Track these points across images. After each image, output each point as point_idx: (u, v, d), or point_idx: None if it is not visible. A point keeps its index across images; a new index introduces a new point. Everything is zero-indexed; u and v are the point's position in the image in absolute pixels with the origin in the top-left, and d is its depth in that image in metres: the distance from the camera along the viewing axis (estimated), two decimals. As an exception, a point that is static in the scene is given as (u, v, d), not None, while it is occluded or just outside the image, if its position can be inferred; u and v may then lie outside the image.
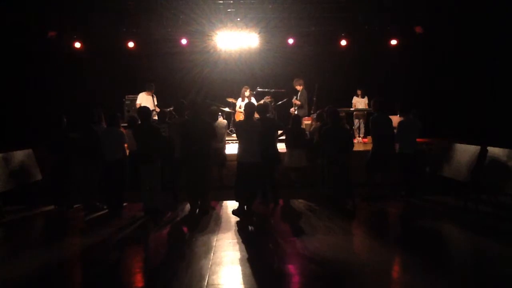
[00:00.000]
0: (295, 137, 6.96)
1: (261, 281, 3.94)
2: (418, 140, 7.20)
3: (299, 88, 9.58)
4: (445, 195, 7.00)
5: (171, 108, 7.81)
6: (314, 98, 9.49)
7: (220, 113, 7.82)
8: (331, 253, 4.64)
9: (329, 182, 6.52)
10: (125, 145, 6.70)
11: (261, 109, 6.62)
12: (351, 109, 10.17)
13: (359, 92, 10.30)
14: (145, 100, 9.30)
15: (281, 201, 6.77)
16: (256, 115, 6.45)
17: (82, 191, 6.68)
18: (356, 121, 10.39)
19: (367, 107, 10.02)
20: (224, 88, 10.93)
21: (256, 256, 4.61)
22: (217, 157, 7.01)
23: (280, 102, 9.94)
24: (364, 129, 10.27)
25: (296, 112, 9.33)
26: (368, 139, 9.63)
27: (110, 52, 10.84)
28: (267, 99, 9.47)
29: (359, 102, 10.26)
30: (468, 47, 9.89)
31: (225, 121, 7.51)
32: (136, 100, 9.63)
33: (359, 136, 10.33)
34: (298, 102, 9.45)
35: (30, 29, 9.73)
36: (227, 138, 7.33)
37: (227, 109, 9.96)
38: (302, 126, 7.60)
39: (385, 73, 10.89)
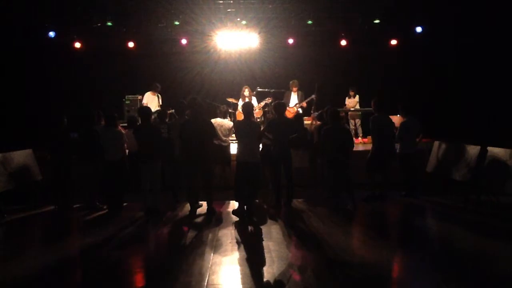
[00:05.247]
0: (298, 137, 6.93)
1: (260, 281, 3.95)
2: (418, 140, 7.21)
3: (295, 90, 9.63)
4: (445, 195, 7.00)
5: (172, 111, 7.82)
6: (314, 98, 9.49)
7: (228, 114, 7.86)
8: (331, 253, 4.64)
9: (329, 182, 6.51)
10: (125, 145, 6.70)
11: (279, 108, 6.60)
12: (352, 109, 10.17)
13: (351, 92, 10.29)
14: (150, 99, 9.43)
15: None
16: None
17: (82, 191, 6.68)
18: (351, 121, 10.38)
19: (358, 106, 10.04)
20: (224, 88, 10.92)
21: (256, 256, 4.61)
22: (222, 156, 7.03)
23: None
24: (362, 129, 10.25)
25: (300, 111, 9.37)
26: (368, 139, 9.62)
27: (110, 52, 10.84)
28: (268, 100, 9.47)
29: (351, 103, 10.27)
30: (468, 47, 9.88)
31: (231, 123, 7.53)
32: (137, 99, 9.70)
33: (359, 137, 10.32)
34: (304, 104, 9.49)
35: (30, 29, 9.72)
36: (230, 138, 7.36)
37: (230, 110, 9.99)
38: (304, 126, 7.59)
39: (385, 73, 10.88)
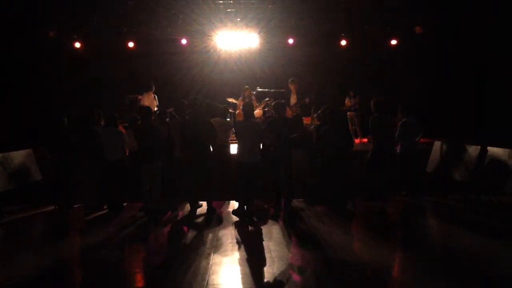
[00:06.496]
0: (298, 137, 6.91)
1: (260, 281, 3.95)
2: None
3: (294, 88, 9.62)
4: (445, 195, 7.00)
5: (172, 109, 7.84)
6: (314, 98, 9.48)
7: (229, 114, 7.87)
8: (331, 253, 4.64)
9: (329, 182, 6.51)
10: (125, 145, 6.70)
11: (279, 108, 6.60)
12: (352, 109, 10.17)
13: (351, 93, 10.29)
14: (148, 100, 9.42)
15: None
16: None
17: (82, 191, 6.68)
18: (351, 121, 10.35)
19: (358, 106, 10.05)
20: (224, 88, 10.91)
21: (256, 256, 4.61)
22: (222, 156, 7.03)
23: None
24: (361, 129, 10.24)
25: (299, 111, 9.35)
26: (368, 139, 9.62)
27: (110, 52, 10.84)
28: (268, 101, 9.48)
29: (352, 103, 10.25)
30: (468, 47, 9.89)
31: (231, 123, 7.53)
32: (137, 99, 9.73)
33: (358, 137, 10.31)
34: (306, 100, 9.46)
35: (30, 29, 9.73)
36: (230, 138, 7.36)
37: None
38: (304, 126, 7.58)
39: (385, 73, 10.88)
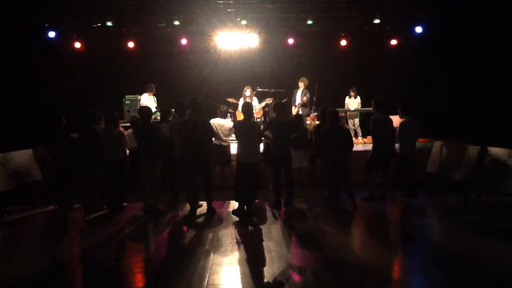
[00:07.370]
0: (298, 137, 6.92)
1: (260, 281, 3.95)
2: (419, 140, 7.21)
3: (301, 86, 9.60)
4: (445, 195, 7.00)
5: (173, 110, 7.87)
6: (314, 98, 9.51)
7: (228, 114, 7.87)
8: (331, 253, 4.64)
9: (329, 182, 6.51)
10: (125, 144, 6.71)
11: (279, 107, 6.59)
12: (351, 109, 10.17)
13: (352, 93, 10.28)
14: (147, 101, 9.42)
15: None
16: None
17: (82, 191, 6.69)
18: (350, 121, 10.36)
19: (360, 107, 10.04)
20: (224, 88, 10.92)
21: (256, 256, 4.61)
22: (222, 156, 7.03)
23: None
24: (361, 129, 10.24)
25: (300, 111, 9.36)
26: (368, 139, 9.62)
27: (110, 52, 10.84)
28: (268, 100, 9.48)
29: (352, 103, 10.25)
30: (468, 46, 9.89)
31: (231, 123, 7.53)
32: (137, 100, 9.74)
33: (358, 136, 10.32)
34: (305, 100, 9.46)
35: (30, 29, 9.73)
36: (230, 138, 7.36)
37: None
38: (305, 126, 7.58)
39: (385, 73, 10.88)
